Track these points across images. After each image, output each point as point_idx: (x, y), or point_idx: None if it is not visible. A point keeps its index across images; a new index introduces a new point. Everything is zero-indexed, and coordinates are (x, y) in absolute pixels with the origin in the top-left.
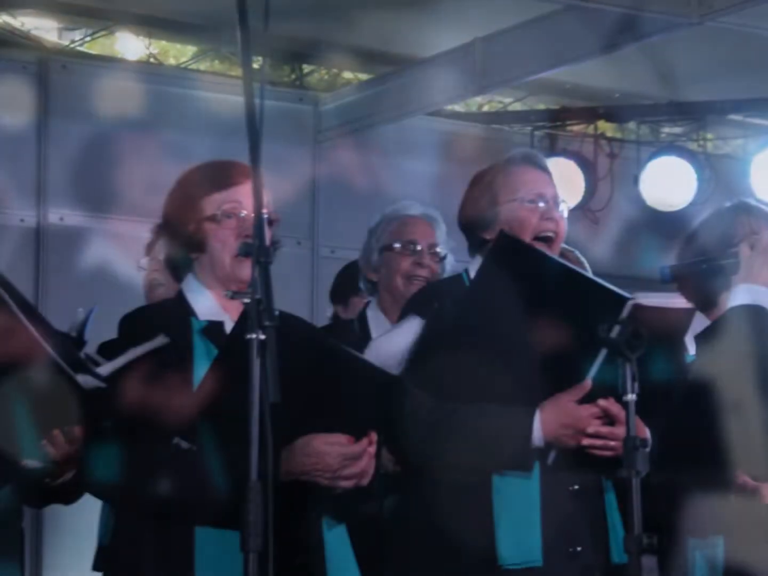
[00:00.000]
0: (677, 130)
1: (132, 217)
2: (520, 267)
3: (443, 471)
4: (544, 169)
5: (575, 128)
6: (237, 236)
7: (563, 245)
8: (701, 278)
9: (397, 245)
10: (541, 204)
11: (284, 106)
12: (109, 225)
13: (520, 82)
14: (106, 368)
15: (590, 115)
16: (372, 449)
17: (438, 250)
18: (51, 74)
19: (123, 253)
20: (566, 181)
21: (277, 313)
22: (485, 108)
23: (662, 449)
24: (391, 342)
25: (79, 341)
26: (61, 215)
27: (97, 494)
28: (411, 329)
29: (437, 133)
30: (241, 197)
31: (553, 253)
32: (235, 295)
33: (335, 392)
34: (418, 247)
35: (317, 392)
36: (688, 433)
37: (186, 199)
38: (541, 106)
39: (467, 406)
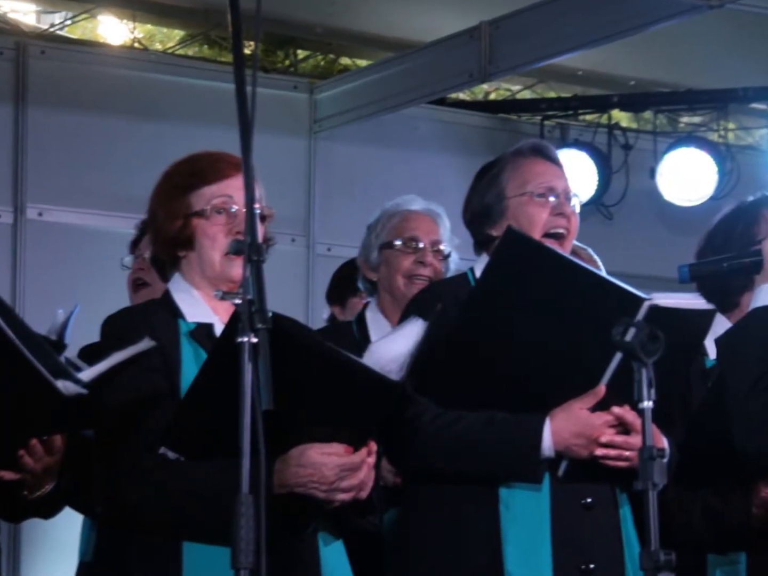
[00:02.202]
0: (696, 119)
1: (115, 212)
2: (529, 266)
3: (446, 482)
4: (555, 161)
5: (588, 118)
6: (227, 233)
7: (575, 242)
8: (722, 278)
9: (397, 242)
10: (552, 198)
11: (278, 94)
12: (91, 221)
13: (529, 68)
14: (87, 373)
15: (604, 103)
16: (371, 459)
17: (441, 247)
18: (29, 60)
19: (106, 251)
20: (578, 174)
21: (270, 314)
22: (492, 96)
23: (681, 460)
24: (392, 345)
25: (59, 344)
26: (40, 210)
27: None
28: (413, 332)
29: (441, 123)
30: (232, 191)
31: (565, 251)
32: (225, 296)
33: (332, 399)
34: (421, 245)
35: (313, 399)
36: (708, 443)
37: (173, 193)
38: (552, 94)
39: (472, 414)
